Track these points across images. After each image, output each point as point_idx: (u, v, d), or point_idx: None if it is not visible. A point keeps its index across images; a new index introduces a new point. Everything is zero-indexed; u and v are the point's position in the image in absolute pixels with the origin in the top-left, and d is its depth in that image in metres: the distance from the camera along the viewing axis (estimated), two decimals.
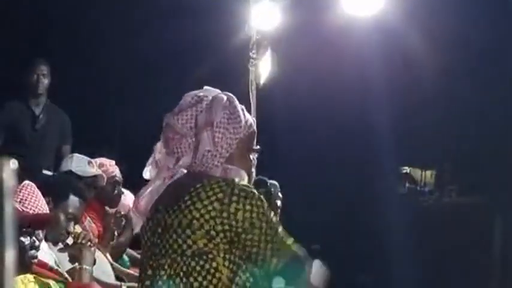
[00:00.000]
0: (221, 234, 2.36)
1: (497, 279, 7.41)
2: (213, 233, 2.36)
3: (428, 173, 8.94)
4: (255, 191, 2.42)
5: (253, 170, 2.66)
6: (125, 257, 5.03)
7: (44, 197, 3.53)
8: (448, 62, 7.61)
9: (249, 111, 5.68)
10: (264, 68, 5.97)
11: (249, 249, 2.38)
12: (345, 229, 8.01)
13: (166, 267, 2.41)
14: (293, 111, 7.86)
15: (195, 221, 2.37)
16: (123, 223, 4.88)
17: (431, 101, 8.09)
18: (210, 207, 2.37)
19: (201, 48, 7.34)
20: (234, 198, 2.37)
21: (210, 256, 2.36)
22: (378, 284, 7.76)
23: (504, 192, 7.53)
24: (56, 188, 3.74)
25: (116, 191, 4.97)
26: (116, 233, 4.83)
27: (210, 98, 2.55)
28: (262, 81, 5.96)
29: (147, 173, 2.63)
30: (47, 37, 7.47)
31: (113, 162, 5.04)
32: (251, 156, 2.60)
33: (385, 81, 7.57)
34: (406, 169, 9.06)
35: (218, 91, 2.61)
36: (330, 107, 7.86)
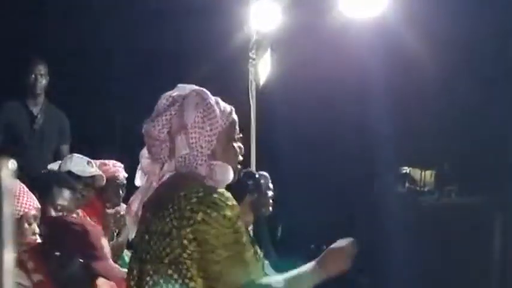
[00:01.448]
0: (193, 243, 2.36)
1: (497, 279, 7.41)
2: (185, 242, 2.36)
3: (428, 173, 8.92)
4: (230, 207, 2.38)
5: (240, 158, 2.64)
6: (126, 259, 5.03)
7: (32, 193, 3.54)
8: (448, 62, 7.60)
9: (249, 111, 5.70)
10: (264, 68, 5.97)
11: (209, 267, 2.37)
12: (344, 229, 7.99)
13: (151, 273, 2.42)
14: (293, 111, 7.85)
15: (174, 230, 2.38)
16: (122, 223, 4.89)
17: (431, 101, 8.09)
18: (184, 217, 2.37)
19: (201, 49, 7.34)
20: (203, 207, 2.36)
21: (185, 266, 2.37)
22: (378, 284, 7.75)
23: (504, 192, 7.52)
24: (41, 182, 3.76)
25: (118, 192, 4.97)
26: (115, 233, 4.84)
27: (182, 97, 2.53)
28: (262, 81, 5.96)
29: (137, 180, 2.64)
30: (46, 37, 7.46)
31: (118, 163, 5.04)
32: (235, 145, 2.59)
33: (385, 82, 7.57)
34: (406, 169, 9.04)
35: (192, 87, 2.59)
36: (329, 107, 7.86)
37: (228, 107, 2.58)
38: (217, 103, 2.55)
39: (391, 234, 7.44)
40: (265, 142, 6.04)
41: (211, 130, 2.49)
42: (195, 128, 2.48)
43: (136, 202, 2.59)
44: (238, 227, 2.38)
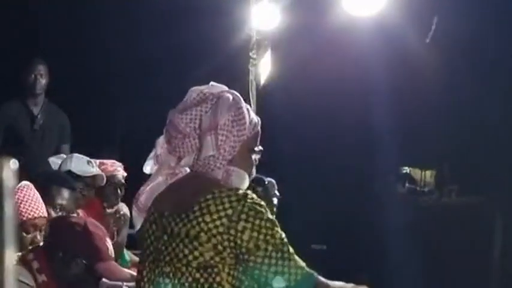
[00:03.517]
0: (228, 250, 2.32)
1: (497, 279, 7.41)
2: (220, 247, 2.32)
3: (428, 173, 8.93)
4: (265, 208, 2.37)
5: (254, 170, 2.62)
6: (126, 257, 5.03)
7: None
8: (449, 62, 7.60)
9: None
10: (264, 68, 5.97)
11: (251, 270, 2.34)
12: (344, 229, 8.01)
13: (171, 275, 2.36)
14: (293, 111, 7.85)
15: (202, 234, 2.33)
16: (122, 222, 4.89)
17: (432, 101, 8.08)
18: (218, 222, 2.32)
19: (201, 48, 7.34)
20: (243, 216, 2.32)
21: (215, 270, 2.33)
22: (377, 283, 7.74)
23: (504, 192, 7.53)
24: (40, 182, 3.73)
25: (116, 192, 4.96)
26: (115, 233, 4.83)
27: (216, 96, 2.48)
28: (262, 81, 5.96)
29: (147, 167, 2.58)
30: (47, 37, 7.46)
31: (117, 163, 5.03)
32: (253, 157, 2.55)
33: (385, 81, 7.56)
34: (406, 169, 9.05)
35: (224, 87, 2.55)
36: (330, 107, 7.86)
37: (255, 118, 2.55)
38: (247, 110, 2.51)
39: (391, 234, 7.44)
40: (265, 142, 6.04)
41: (238, 136, 2.46)
42: (223, 130, 2.43)
43: (146, 194, 2.52)
44: (277, 224, 2.37)
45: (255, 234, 2.32)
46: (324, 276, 2.51)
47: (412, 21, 7.07)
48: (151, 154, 2.56)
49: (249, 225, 2.32)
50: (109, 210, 4.94)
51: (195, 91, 2.52)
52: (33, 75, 6.13)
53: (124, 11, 7.57)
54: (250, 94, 5.81)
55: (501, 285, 7.33)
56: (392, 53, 7.49)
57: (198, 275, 2.33)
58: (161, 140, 2.54)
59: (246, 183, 2.49)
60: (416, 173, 9.02)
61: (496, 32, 7.50)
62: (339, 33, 6.87)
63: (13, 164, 1.10)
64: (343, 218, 8.02)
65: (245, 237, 2.31)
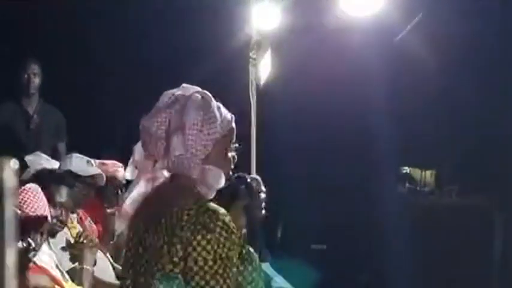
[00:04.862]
0: (182, 262, 2.34)
1: (497, 279, 7.41)
2: (175, 259, 2.34)
3: (428, 173, 8.92)
4: (217, 225, 2.34)
5: (232, 166, 2.61)
6: None
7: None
8: (448, 62, 7.60)
9: (250, 111, 5.70)
10: (264, 68, 5.98)
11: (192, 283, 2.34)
12: (344, 229, 8.00)
13: (144, 286, 2.41)
14: (293, 111, 7.84)
15: (165, 246, 2.36)
16: None
17: (432, 101, 8.08)
18: (174, 234, 2.35)
19: (202, 49, 7.34)
20: (192, 227, 2.33)
21: (176, 281, 2.34)
22: (378, 283, 7.75)
23: (504, 192, 7.53)
24: (39, 181, 3.71)
25: (117, 192, 4.96)
26: (115, 233, 4.84)
27: (186, 98, 2.50)
28: (262, 81, 5.97)
29: (128, 174, 2.61)
30: (47, 36, 7.46)
31: (117, 163, 5.03)
32: (229, 154, 2.56)
33: (385, 81, 7.56)
34: (406, 169, 9.04)
35: (196, 88, 2.56)
36: (329, 107, 7.85)
37: (228, 115, 2.55)
38: (218, 108, 2.51)
39: (391, 234, 7.44)
40: (265, 142, 6.05)
41: (209, 135, 2.46)
42: (193, 130, 2.44)
43: (130, 201, 2.55)
44: (220, 253, 2.33)
45: (196, 252, 2.31)
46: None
47: (412, 21, 7.08)
48: (131, 160, 2.58)
49: (191, 239, 2.32)
50: (109, 211, 4.95)
51: (166, 94, 2.55)
52: (26, 75, 6.13)
53: (123, 11, 7.57)
54: (250, 94, 5.81)
55: (501, 285, 7.34)
56: (392, 53, 7.49)
57: (161, 286, 2.36)
58: (139, 146, 2.56)
59: (222, 182, 2.50)
60: (416, 173, 9.01)
61: (496, 32, 7.50)
62: (339, 33, 6.87)
63: (13, 164, 1.10)
64: (343, 218, 8.01)
65: (188, 248, 2.31)
